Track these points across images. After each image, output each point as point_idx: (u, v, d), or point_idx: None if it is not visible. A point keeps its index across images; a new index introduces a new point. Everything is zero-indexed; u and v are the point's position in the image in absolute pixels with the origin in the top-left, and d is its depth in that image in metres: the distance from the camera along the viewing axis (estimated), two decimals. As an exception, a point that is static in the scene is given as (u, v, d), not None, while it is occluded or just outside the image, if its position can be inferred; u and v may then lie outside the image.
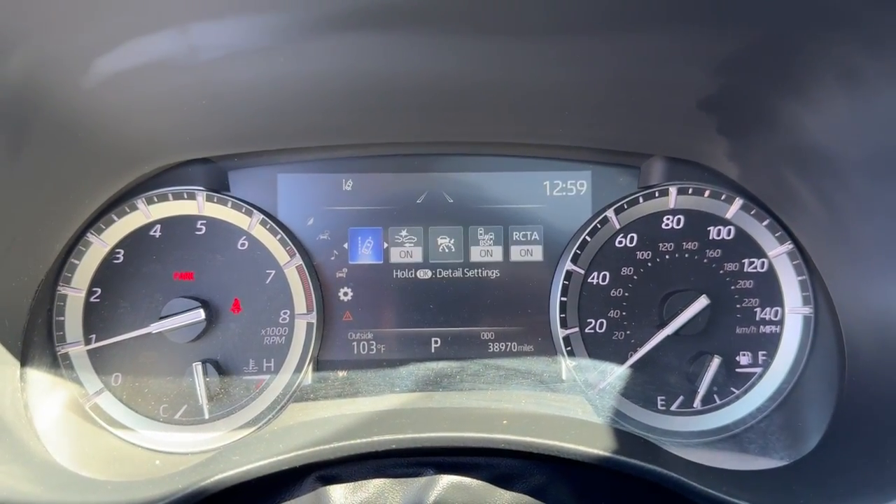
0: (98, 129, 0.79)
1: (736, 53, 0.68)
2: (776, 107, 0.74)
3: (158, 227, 0.91)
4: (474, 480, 0.73)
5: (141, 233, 0.91)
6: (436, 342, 0.94)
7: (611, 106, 0.83)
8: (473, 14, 0.67)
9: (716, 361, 0.89)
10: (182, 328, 0.88)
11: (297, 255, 0.91)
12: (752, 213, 0.91)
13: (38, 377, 0.86)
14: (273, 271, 0.91)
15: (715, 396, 0.91)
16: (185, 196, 0.91)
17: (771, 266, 0.91)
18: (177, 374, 0.90)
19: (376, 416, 0.80)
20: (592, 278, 0.92)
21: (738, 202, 0.91)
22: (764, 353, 0.91)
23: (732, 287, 0.91)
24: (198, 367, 0.88)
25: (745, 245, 0.91)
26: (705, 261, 0.91)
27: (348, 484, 0.73)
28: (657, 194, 0.91)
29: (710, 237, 0.91)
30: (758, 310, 0.91)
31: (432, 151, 0.95)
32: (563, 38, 0.70)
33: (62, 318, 0.89)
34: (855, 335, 0.85)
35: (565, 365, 0.91)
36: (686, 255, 0.91)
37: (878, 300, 0.81)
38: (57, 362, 0.88)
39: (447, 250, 0.95)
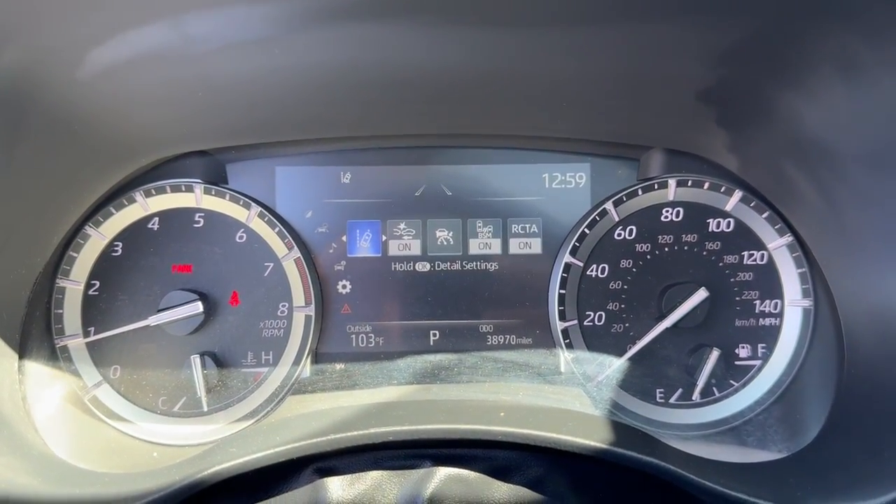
0: (95, 122, 0.79)
1: (734, 44, 0.68)
2: (775, 98, 0.74)
3: (156, 219, 0.91)
4: (472, 472, 0.73)
5: (139, 225, 0.91)
6: (434, 335, 0.94)
7: (610, 98, 0.82)
8: (472, 5, 0.66)
9: (715, 354, 0.89)
10: (180, 321, 0.88)
11: (296, 247, 0.91)
12: (751, 205, 0.90)
13: (37, 369, 0.86)
14: (271, 264, 0.91)
15: (714, 389, 0.90)
16: (183, 189, 0.91)
17: (770, 258, 0.91)
18: (175, 367, 0.90)
19: (374, 409, 0.80)
20: (591, 271, 0.92)
21: (738, 194, 0.90)
22: (763, 345, 0.91)
23: (732, 279, 0.91)
24: (196, 360, 0.88)
25: (744, 237, 0.91)
26: (704, 253, 0.91)
27: (346, 476, 0.73)
28: (656, 186, 0.91)
29: (710, 229, 0.91)
30: (757, 302, 0.91)
31: (431, 144, 0.94)
32: (561, 29, 0.69)
33: (60, 311, 0.89)
34: (854, 328, 0.84)
35: (563, 357, 0.91)
36: (685, 248, 0.91)
37: (877, 293, 0.81)
38: (55, 355, 0.88)
39: (446, 243, 0.95)
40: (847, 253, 0.85)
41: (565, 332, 0.91)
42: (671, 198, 0.91)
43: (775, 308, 0.91)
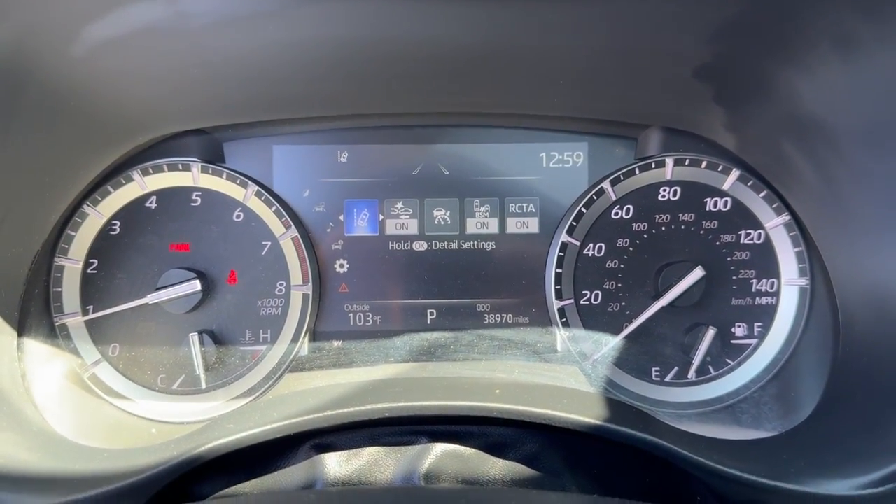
0: (91, 99, 0.79)
1: (731, 20, 0.68)
2: (772, 75, 0.73)
3: (154, 198, 0.91)
4: (467, 448, 0.73)
5: (137, 204, 0.91)
6: (431, 314, 0.95)
7: (607, 74, 0.82)
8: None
9: (710, 333, 0.89)
10: (178, 299, 0.88)
11: (293, 226, 0.91)
12: (749, 184, 0.90)
13: (36, 347, 0.87)
14: (269, 243, 0.91)
15: (709, 367, 0.91)
16: (181, 167, 0.90)
17: (767, 237, 0.91)
18: (174, 345, 0.90)
19: (371, 386, 0.80)
20: (588, 250, 0.92)
21: (735, 173, 0.90)
22: (759, 324, 0.91)
23: (728, 258, 0.91)
24: (194, 338, 0.89)
25: (741, 216, 0.91)
26: (701, 232, 0.91)
27: (343, 452, 0.74)
28: (654, 165, 0.91)
29: (707, 208, 0.91)
30: (754, 281, 0.91)
31: (428, 123, 0.94)
32: (558, 4, 0.69)
33: (59, 289, 0.90)
34: (850, 306, 0.85)
35: (560, 336, 0.91)
36: (682, 227, 0.91)
37: (874, 271, 0.81)
38: (55, 333, 0.89)
39: (443, 222, 0.95)
40: (844, 231, 0.85)
41: (561, 310, 0.92)
42: (668, 177, 0.91)
43: (772, 287, 0.92)
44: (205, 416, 0.88)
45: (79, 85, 0.74)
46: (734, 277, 0.91)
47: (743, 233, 0.91)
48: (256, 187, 0.91)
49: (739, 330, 0.92)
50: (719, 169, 0.90)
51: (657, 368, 0.91)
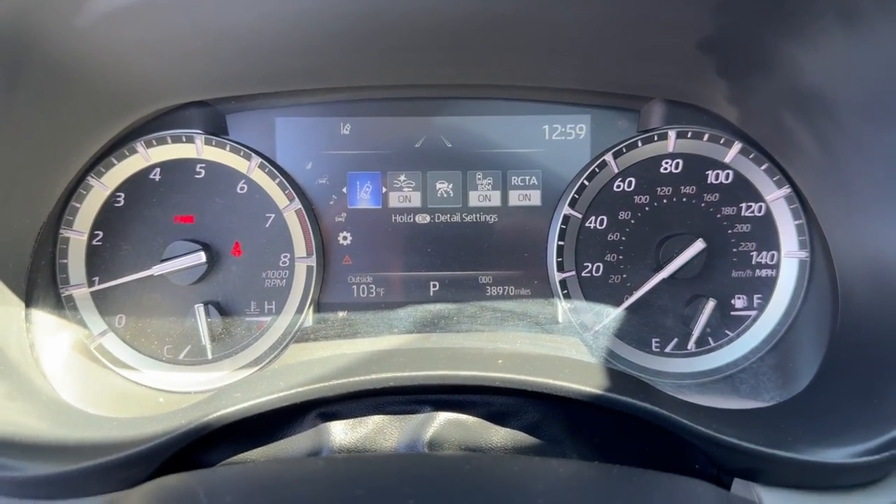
0: (94, 70, 0.80)
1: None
2: (775, 47, 0.74)
3: (158, 170, 0.92)
4: (470, 417, 0.75)
5: (141, 176, 0.92)
6: (434, 286, 0.96)
7: (609, 46, 0.82)
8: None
9: (710, 304, 0.91)
10: (183, 270, 0.90)
11: (297, 198, 0.92)
12: (750, 156, 0.91)
13: (44, 318, 0.89)
14: (272, 215, 0.93)
15: (709, 339, 0.93)
16: (184, 139, 0.91)
17: (768, 210, 0.92)
18: (179, 316, 0.92)
19: (375, 356, 0.82)
20: (590, 222, 0.93)
21: (737, 146, 0.91)
22: (759, 296, 0.92)
23: (729, 231, 0.92)
24: (200, 309, 0.91)
25: (743, 189, 0.92)
26: (703, 205, 0.92)
27: (348, 420, 0.75)
28: (656, 138, 0.92)
29: (709, 181, 0.92)
30: (754, 254, 0.92)
31: (430, 95, 0.94)
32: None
33: (65, 261, 0.91)
34: (849, 278, 0.86)
35: (561, 307, 0.93)
36: (684, 199, 0.92)
37: (873, 243, 0.82)
38: (61, 303, 0.90)
39: (445, 195, 0.96)
40: (844, 204, 0.87)
41: (563, 282, 0.93)
42: (671, 149, 0.92)
43: (772, 259, 0.93)
44: (211, 386, 0.89)
45: (83, 56, 0.74)
46: (734, 250, 0.92)
47: (744, 205, 0.92)
48: (260, 159, 0.92)
49: (739, 302, 0.93)
50: (721, 142, 0.91)
51: (657, 339, 0.93)
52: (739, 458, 0.74)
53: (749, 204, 0.92)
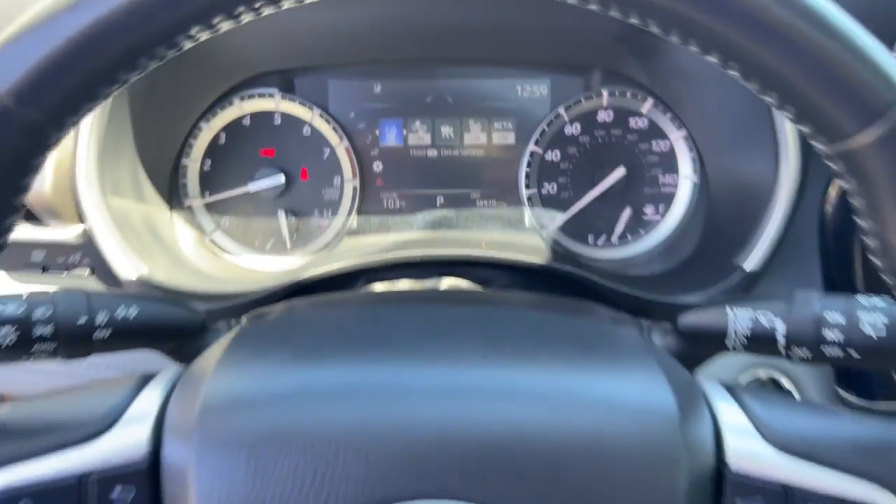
0: (208, 48, 1.12)
1: None
2: (657, 43, 1.10)
3: (248, 117, 1.23)
4: (466, 280, 1.14)
5: (236, 122, 1.23)
6: (440, 199, 1.28)
7: (557, 31, 1.17)
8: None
9: (628, 211, 1.23)
10: (269, 188, 1.23)
11: (345, 138, 1.23)
12: (659, 108, 1.22)
13: (178, 219, 1.22)
14: (328, 149, 1.24)
15: (628, 236, 1.26)
16: (266, 96, 1.23)
17: (672, 146, 1.23)
18: (267, 219, 1.23)
19: (402, 242, 1.21)
20: (548, 156, 1.26)
21: (650, 101, 1.22)
22: (663, 206, 1.25)
23: (644, 161, 1.24)
24: (281, 214, 1.21)
25: (654, 131, 1.23)
26: (626, 143, 1.23)
27: (385, 282, 1.14)
28: (594, 96, 1.24)
29: (630, 126, 1.23)
30: (660, 177, 1.23)
31: (438, 65, 1.26)
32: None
33: (185, 181, 1.24)
34: (719, 195, 1.20)
35: (527, 214, 1.26)
36: (613, 139, 1.24)
37: (732, 170, 1.17)
38: (186, 210, 1.24)
39: (448, 136, 1.26)
40: (716, 144, 1.19)
41: (529, 197, 1.26)
42: (605, 104, 1.23)
43: (673, 181, 1.25)
44: (290, 266, 1.27)
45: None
46: (647, 174, 1.23)
47: (654, 143, 1.23)
48: (319, 110, 1.24)
49: (649, 210, 1.25)
50: (639, 98, 1.23)
51: (592, 235, 1.26)
52: (633, 304, 1.12)
53: (658, 141, 1.23)
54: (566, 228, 1.26)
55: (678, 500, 0.52)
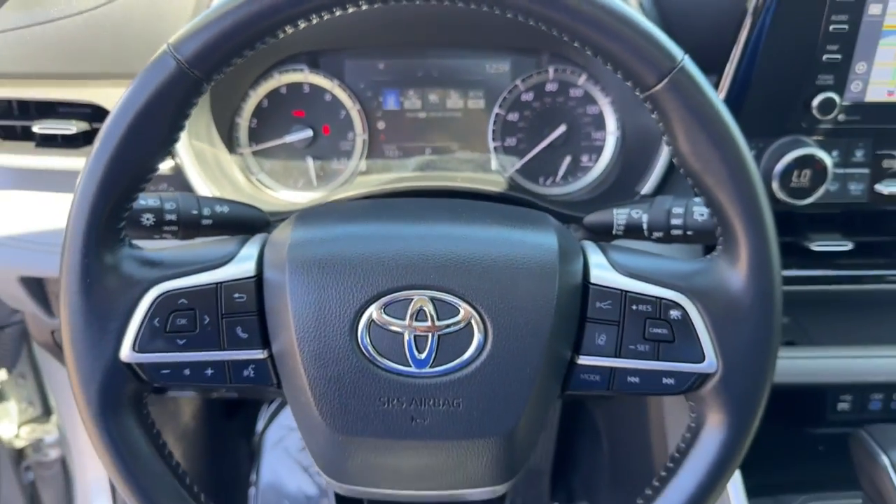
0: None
1: None
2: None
3: (284, 87, 1.45)
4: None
5: (275, 90, 1.44)
6: (428, 150, 1.50)
7: (519, 26, 1.55)
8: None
9: (568, 159, 1.46)
10: (300, 140, 1.45)
11: (357, 103, 1.44)
12: (591, 81, 1.42)
13: (235, 162, 1.43)
14: (344, 111, 1.46)
15: (568, 177, 1.48)
16: (298, 70, 1.48)
17: (601, 110, 1.44)
18: (298, 163, 1.47)
19: (399, 179, 1.58)
20: (509, 117, 1.46)
21: (585, 76, 1.41)
22: (595, 154, 1.47)
23: (580, 121, 1.44)
24: (309, 160, 1.45)
25: (588, 99, 1.43)
26: (567, 107, 1.44)
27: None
28: (543, 72, 1.44)
29: (570, 94, 1.43)
30: (592, 133, 1.46)
31: (425, 48, 1.47)
32: None
33: (237, 134, 1.45)
34: (631, 143, 1.42)
35: (494, 160, 1.49)
36: (557, 104, 1.44)
37: (641, 125, 1.53)
38: (240, 156, 1.51)
39: (434, 102, 1.46)
40: (632, 106, 1.40)
41: (495, 148, 1.47)
42: (551, 78, 1.44)
43: (601, 136, 1.46)
44: (317, 198, 1.59)
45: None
46: (582, 131, 1.44)
47: (588, 107, 1.45)
48: (338, 81, 1.43)
49: (584, 158, 1.48)
50: (577, 73, 1.43)
51: (542, 177, 1.49)
52: (566, 218, 1.50)
53: (590, 106, 1.45)
54: (522, 171, 1.50)
55: (551, 301, 0.80)
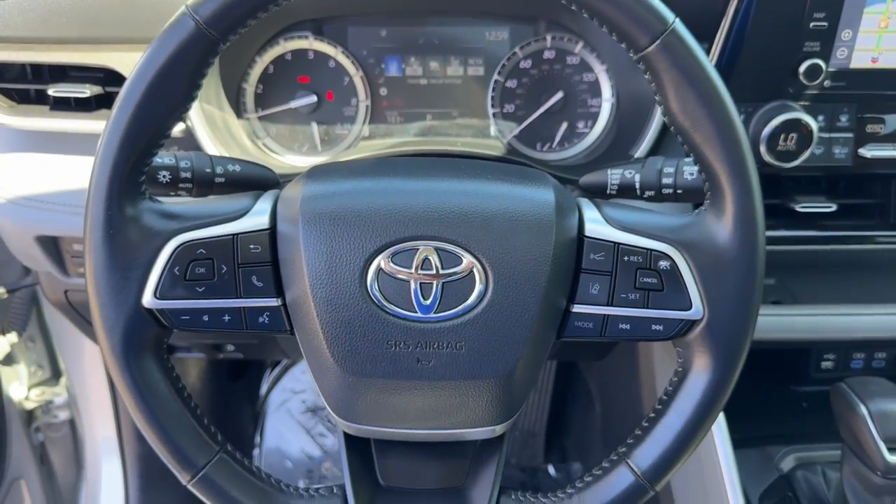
0: None
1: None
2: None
3: (289, 53, 1.46)
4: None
5: (280, 56, 1.46)
6: (429, 116, 1.51)
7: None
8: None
9: (565, 125, 1.48)
10: (305, 106, 1.47)
11: (360, 69, 1.46)
12: (587, 49, 1.44)
13: (242, 126, 1.45)
14: (348, 78, 1.47)
15: (564, 143, 1.50)
16: (303, 37, 1.46)
17: (597, 77, 1.47)
18: (303, 127, 1.49)
19: (401, 143, 1.64)
20: (507, 83, 1.48)
21: (581, 43, 1.42)
22: (591, 120, 1.49)
23: (576, 88, 1.46)
24: (314, 125, 1.47)
25: (584, 66, 1.44)
26: (564, 74, 1.45)
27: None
28: (541, 40, 1.45)
29: (567, 62, 1.45)
30: (588, 100, 1.48)
31: (427, 15, 1.47)
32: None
33: (244, 99, 1.49)
34: (625, 109, 1.45)
35: (493, 126, 1.52)
36: (554, 71, 1.46)
37: (635, 91, 1.59)
38: (247, 120, 1.52)
39: (435, 69, 1.47)
40: (627, 73, 1.43)
41: (493, 114, 1.51)
42: (549, 46, 1.45)
43: (597, 103, 1.48)
44: (323, 161, 1.70)
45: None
46: (578, 98, 1.46)
47: (584, 74, 1.45)
48: (342, 48, 1.44)
49: (580, 124, 1.52)
50: (574, 41, 1.44)
51: (539, 143, 1.51)
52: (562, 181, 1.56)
53: (587, 73, 1.46)
54: (520, 137, 1.53)
55: (548, 252, 0.85)
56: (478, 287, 0.83)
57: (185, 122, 1.33)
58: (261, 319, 0.88)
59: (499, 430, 0.88)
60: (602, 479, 0.89)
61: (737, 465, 1.32)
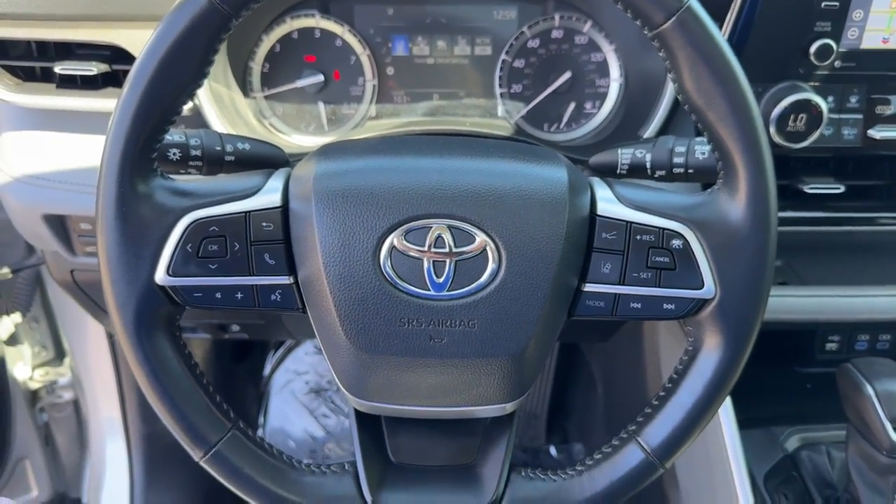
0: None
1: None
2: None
3: (296, 32, 1.45)
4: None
5: (287, 35, 1.45)
6: (436, 96, 1.53)
7: None
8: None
9: (572, 105, 1.49)
10: (311, 85, 1.47)
11: (367, 48, 1.46)
12: (596, 28, 1.43)
13: (249, 105, 1.44)
14: (354, 57, 1.47)
15: (572, 124, 1.50)
16: (310, 16, 1.50)
17: (605, 57, 1.46)
18: (310, 107, 1.49)
19: (407, 124, 1.63)
20: (515, 63, 1.48)
21: (590, 23, 1.43)
22: (598, 101, 1.49)
23: (585, 68, 1.46)
24: (321, 104, 1.46)
25: (592, 46, 1.44)
26: (572, 54, 1.45)
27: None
28: (549, 19, 1.45)
29: (575, 42, 1.44)
30: (596, 80, 1.48)
31: None
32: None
33: (251, 79, 1.48)
34: (634, 89, 1.45)
35: (500, 106, 1.52)
36: (562, 51, 1.46)
37: (644, 71, 1.55)
38: (253, 100, 1.56)
39: (442, 48, 1.47)
40: (636, 53, 1.44)
41: (501, 94, 1.51)
42: (557, 25, 1.45)
43: (605, 83, 1.48)
44: (329, 141, 1.70)
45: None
46: (586, 78, 1.46)
47: (592, 54, 1.45)
48: (348, 27, 1.44)
49: (588, 105, 1.51)
50: (582, 21, 1.44)
51: (546, 123, 1.51)
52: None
53: (595, 53, 1.45)
54: (527, 117, 1.53)
55: (561, 231, 0.86)
56: (490, 265, 0.83)
57: (193, 100, 1.33)
58: (273, 297, 0.88)
59: (509, 407, 0.89)
60: (612, 456, 0.90)
61: (742, 445, 1.33)
